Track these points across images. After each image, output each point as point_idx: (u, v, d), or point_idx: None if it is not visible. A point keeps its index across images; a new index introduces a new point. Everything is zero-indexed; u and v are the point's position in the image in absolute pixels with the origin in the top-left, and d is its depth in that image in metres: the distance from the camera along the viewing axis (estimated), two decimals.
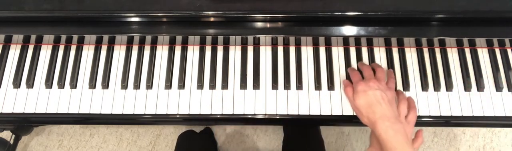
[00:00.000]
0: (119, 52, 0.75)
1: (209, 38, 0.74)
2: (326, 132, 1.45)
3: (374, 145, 0.64)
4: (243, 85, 0.72)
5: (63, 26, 0.68)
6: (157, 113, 0.71)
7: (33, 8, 0.65)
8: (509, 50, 0.75)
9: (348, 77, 0.73)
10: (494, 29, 0.67)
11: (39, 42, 0.76)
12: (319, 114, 0.71)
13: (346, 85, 0.69)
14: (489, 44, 0.75)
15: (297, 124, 1.07)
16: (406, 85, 0.72)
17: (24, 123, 0.81)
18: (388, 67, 0.74)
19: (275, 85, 0.72)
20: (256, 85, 0.72)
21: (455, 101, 0.71)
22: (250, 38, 0.74)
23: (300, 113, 0.71)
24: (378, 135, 0.59)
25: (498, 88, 0.72)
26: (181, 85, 0.72)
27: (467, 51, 0.75)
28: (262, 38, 0.74)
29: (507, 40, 0.74)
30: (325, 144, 1.07)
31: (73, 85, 0.73)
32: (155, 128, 1.47)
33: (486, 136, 1.44)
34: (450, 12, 0.65)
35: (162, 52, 0.75)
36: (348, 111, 0.71)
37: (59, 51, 0.76)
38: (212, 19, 0.67)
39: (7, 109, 0.72)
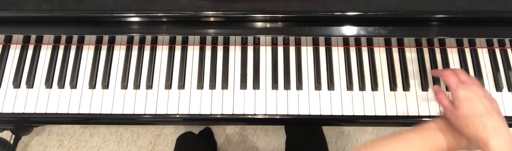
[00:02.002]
0: (119, 52, 0.75)
1: (209, 38, 0.74)
2: (326, 132, 1.45)
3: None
4: (243, 85, 0.72)
5: (63, 26, 0.68)
6: (157, 113, 0.71)
7: (33, 8, 0.65)
8: (509, 50, 0.75)
9: (347, 75, 0.73)
10: (494, 29, 0.67)
11: (39, 42, 0.76)
12: (319, 114, 0.71)
13: (437, 91, 0.61)
14: (489, 44, 0.75)
15: (297, 124, 1.07)
16: (406, 85, 0.72)
17: (24, 123, 0.81)
18: (388, 68, 0.74)
19: (275, 85, 0.72)
20: (256, 85, 0.72)
21: None
22: (250, 38, 0.74)
23: (300, 113, 0.71)
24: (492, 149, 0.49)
25: (498, 88, 0.72)
26: (181, 85, 0.72)
27: (467, 51, 0.75)
28: (262, 38, 0.74)
29: (507, 40, 0.74)
30: (327, 144, 1.07)
31: (73, 85, 0.73)
32: (155, 128, 1.47)
33: None
34: (450, 12, 0.65)
35: (162, 52, 0.75)
36: (348, 111, 0.71)
37: (59, 51, 0.76)
38: (212, 19, 0.67)
39: (7, 109, 0.72)
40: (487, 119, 0.51)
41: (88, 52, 0.75)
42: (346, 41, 0.75)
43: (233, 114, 0.71)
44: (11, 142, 1.28)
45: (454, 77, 0.59)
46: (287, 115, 0.71)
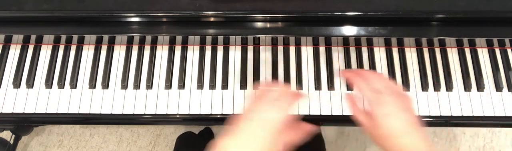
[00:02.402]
0: (119, 52, 0.75)
1: (209, 38, 0.74)
2: (326, 132, 1.45)
3: None
4: (243, 85, 0.72)
5: (63, 26, 0.68)
6: (157, 113, 0.71)
7: (33, 8, 0.65)
8: (509, 50, 0.75)
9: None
10: (494, 29, 0.67)
11: (39, 42, 0.76)
12: (319, 114, 0.71)
13: (351, 103, 0.56)
14: (489, 44, 0.75)
15: None
16: (406, 85, 0.72)
17: (24, 123, 0.81)
18: (388, 68, 0.74)
19: None
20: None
21: (455, 101, 0.71)
22: (250, 38, 0.74)
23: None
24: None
25: (498, 88, 0.72)
26: (181, 85, 0.72)
27: (467, 51, 0.75)
28: (262, 38, 0.74)
29: (507, 40, 0.74)
30: (325, 144, 1.07)
31: (73, 84, 0.73)
32: (155, 128, 1.47)
33: (486, 136, 1.44)
34: (450, 12, 0.65)
35: (162, 52, 0.75)
36: (348, 111, 0.71)
37: (59, 51, 0.76)
38: (212, 19, 0.67)
39: (7, 109, 0.72)
40: (409, 138, 0.48)
41: (88, 52, 0.75)
42: (346, 41, 0.75)
43: (233, 114, 0.71)
44: (11, 142, 1.28)
45: (365, 86, 0.53)
46: None
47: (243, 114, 0.51)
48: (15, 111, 0.72)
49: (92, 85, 0.73)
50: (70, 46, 0.76)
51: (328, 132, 1.45)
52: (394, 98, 0.50)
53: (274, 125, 0.49)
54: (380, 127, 0.49)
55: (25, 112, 0.71)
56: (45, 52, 0.76)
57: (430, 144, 0.49)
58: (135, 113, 0.71)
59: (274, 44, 0.76)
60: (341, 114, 0.70)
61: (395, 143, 0.48)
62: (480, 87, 0.72)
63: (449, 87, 0.72)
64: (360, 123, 0.54)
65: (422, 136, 0.49)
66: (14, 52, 0.75)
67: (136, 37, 0.74)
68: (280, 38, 0.74)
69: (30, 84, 0.73)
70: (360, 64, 0.74)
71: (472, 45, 0.75)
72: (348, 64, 0.74)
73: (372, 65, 0.74)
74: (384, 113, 0.49)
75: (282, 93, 0.53)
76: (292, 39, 0.74)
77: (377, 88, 0.51)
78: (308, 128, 0.55)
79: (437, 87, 0.72)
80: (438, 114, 0.71)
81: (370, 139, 0.52)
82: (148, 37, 0.74)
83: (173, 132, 1.46)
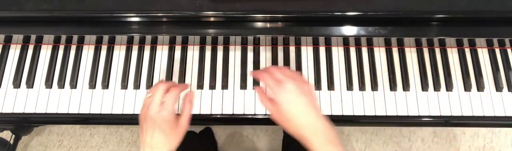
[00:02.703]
0: (119, 52, 0.75)
1: (209, 38, 0.74)
2: None
3: None
4: (243, 85, 0.72)
5: (63, 26, 0.68)
6: None
7: (33, 8, 0.65)
8: (509, 50, 0.75)
9: (347, 75, 0.73)
10: (494, 29, 0.67)
11: (39, 42, 0.76)
12: None
13: (260, 93, 0.59)
14: (489, 44, 0.75)
15: None
16: (406, 85, 0.72)
17: (24, 123, 0.80)
18: (388, 68, 0.74)
19: None
20: (256, 85, 0.72)
21: (455, 101, 0.71)
22: (250, 38, 0.74)
23: None
24: (310, 147, 0.52)
25: (498, 88, 0.72)
26: None
27: (467, 51, 0.75)
28: (262, 38, 0.74)
29: (507, 40, 0.74)
30: None
31: (73, 85, 0.73)
32: None
33: (486, 136, 1.44)
34: (450, 12, 0.65)
35: (162, 52, 0.75)
36: (348, 111, 0.71)
37: (59, 51, 0.76)
38: (212, 19, 0.67)
39: (7, 109, 0.72)
40: (306, 119, 0.53)
41: (88, 52, 0.75)
42: (346, 41, 0.75)
43: (233, 114, 0.71)
44: (11, 142, 1.28)
45: (270, 78, 0.56)
46: None
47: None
48: (15, 111, 0.72)
49: (92, 85, 0.73)
50: (70, 46, 0.76)
51: None
52: (293, 85, 0.54)
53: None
54: (281, 111, 0.54)
55: (25, 112, 0.71)
56: (45, 52, 0.76)
57: (327, 123, 0.53)
58: (135, 113, 0.71)
59: (274, 44, 0.76)
60: (341, 114, 0.70)
61: (295, 125, 0.53)
62: (480, 87, 0.72)
63: (449, 87, 0.72)
64: (267, 109, 0.59)
65: (318, 115, 0.53)
66: (14, 52, 0.75)
67: (136, 37, 0.74)
68: (280, 38, 0.74)
69: (30, 84, 0.73)
70: (360, 64, 0.74)
71: (472, 45, 0.75)
72: (348, 64, 0.74)
73: (372, 65, 0.74)
74: (284, 98, 0.54)
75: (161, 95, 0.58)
76: (292, 39, 0.74)
77: (278, 77, 0.56)
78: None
79: (437, 87, 0.72)
80: (438, 114, 0.71)
81: (276, 121, 0.56)
82: (148, 37, 0.74)
83: None
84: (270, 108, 0.56)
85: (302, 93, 0.54)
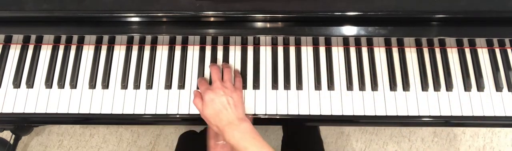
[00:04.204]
0: (119, 52, 0.75)
1: (209, 38, 0.74)
2: (326, 132, 1.45)
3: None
4: (243, 85, 0.72)
5: (63, 26, 0.68)
6: (157, 113, 0.71)
7: (33, 8, 0.65)
8: (509, 50, 0.75)
9: (347, 75, 0.73)
10: (494, 29, 0.67)
11: (39, 42, 0.76)
12: (319, 114, 0.71)
13: (195, 95, 0.68)
14: (489, 44, 0.75)
15: (297, 124, 1.07)
16: (406, 85, 0.72)
17: (24, 123, 0.81)
18: (388, 68, 0.74)
19: (275, 85, 0.72)
20: (256, 85, 0.72)
21: (455, 101, 0.71)
22: (250, 38, 0.74)
23: (300, 113, 0.71)
24: (228, 140, 0.61)
25: (498, 88, 0.72)
26: (181, 85, 0.72)
27: (467, 51, 0.75)
28: (262, 38, 0.74)
29: (507, 40, 0.74)
30: (325, 144, 1.07)
31: (73, 85, 0.73)
32: (155, 128, 1.47)
33: (486, 136, 1.44)
34: (450, 12, 0.65)
35: (162, 52, 0.75)
36: (348, 111, 0.71)
37: (59, 51, 0.76)
38: (212, 19, 0.67)
39: (7, 109, 0.72)
40: (223, 114, 0.62)
41: (88, 52, 0.75)
42: (346, 41, 0.75)
43: None
44: (11, 142, 1.28)
45: (204, 83, 0.69)
46: (287, 115, 0.71)
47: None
48: (15, 111, 0.72)
49: (92, 85, 0.73)
50: (70, 46, 0.76)
51: (328, 132, 1.45)
52: (219, 89, 0.66)
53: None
54: (206, 108, 0.64)
55: (25, 112, 0.71)
56: (45, 52, 0.76)
57: (243, 119, 0.63)
58: (135, 113, 0.71)
59: (274, 44, 0.76)
60: (341, 114, 0.71)
61: (215, 119, 0.63)
62: (480, 87, 0.72)
63: (449, 87, 0.72)
64: (196, 107, 0.67)
65: (236, 112, 0.63)
66: (14, 52, 0.76)
67: (136, 37, 0.74)
68: (280, 38, 0.74)
69: (30, 84, 0.73)
70: (360, 64, 0.74)
71: (472, 45, 0.75)
72: (348, 64, 0.74)
73: (372, 65, 0.74)
74: (211, 98, 0.64)
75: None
76: (292, 39, 0.74)
77: (214, 79, 0.68)
78: None
79: (437, 87, 0.72)
80: (438, 114, 0.71)
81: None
82: (148, 37, 0.74)
83: (173, 132, 1.46)
84: (199, 107, 0.66)
85: (226, 93, 0.64)
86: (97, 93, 0.73)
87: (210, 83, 0.70)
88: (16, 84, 0.73)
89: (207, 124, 0.66)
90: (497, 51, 0.75)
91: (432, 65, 0.74)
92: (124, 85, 0.73)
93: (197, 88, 0.72)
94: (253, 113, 0.71)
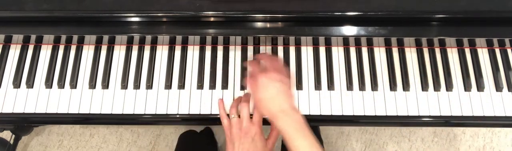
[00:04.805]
0: (119, 52, 0.75)
1: (209, 38, 0.74)
2: (326, 132, 1.45)
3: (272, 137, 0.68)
4: (243, 85, 0.72)
5: (63, 26, 0.68)
6: (157, 113, 0.71)
7: (33, 8, 0.65)
8: (509, 50, 0.75)
9: (347, 75, 0.73)
10: (494, 29, 0.67)
11: (39, 42, 0.76)
12: (319, 114, 0.71)
13: (250, 75, 0.67)
14: (489, 44, 0.75)
15: None
16: (406, 85, 0.72)
17: (24, 123, 0.81)
18: (388, 68, 0.74)
19: None
20: None
21: (455, 101, 0.71)
22: (250, 38, 0.74)
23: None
24: (279, 126, 0.59)
25: (498, 88, 0.72)
26: (181, 85, 0.72)
27: (467, 51, 0.75)
28: (262, 38, 0.74)
29: (507, 40, 0.74)
30: (325, 144, 1.07)
31: (73, 85, 0.73)
32: (155, 128, 1.47)
33: (486, 136, 1.44)
34: (450, 12, 0.65)
35: (162, 52, 0.75)
36: (348, 111, 0.71)
37: (59, 51, 0.76)
38: (212, 19, 0.67)
39: (7, 109, 0.72)
40: (276, 100, 0.61)
41: (88, 52, 0.75)
42: (346, 41, 0.75)
43: None
44: (11, 142, 1.27)
45: (256, 65, 0.68)
46: None
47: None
48: (15, 111, 0.72)
49: (92, 85, 0.73)
50: (70, 46, 0.76)
51: (328, 132, 1.45)
52: (273, 73, 0.63)
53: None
54: (258, 91, 0.63)
55: (25, 112, 0.71)
56: (45, 52, 0.76)
57: (292, 104, 0.62)
58: (135, 113, 0.71)
59: (274, 44, 0.76)
60: (341, 114, 0.70)
61: (268, 103, 0.62)
62: (480, 87, 0.72)
63: (449, 87, 0.72)
64: (250, 89, 0.68)
65: (286, 98, 0.62)
66: (14, 52, 0.75)
67: (136, 37, 0.74)
68: (280, 38, 0.74)
69: (30, 84, 0.73)
70: (360, 64, 0.74)
71: (472, 45, 0.75)
72: (348, 64, 0.74)
73: (372, 65, 0.74)
74: (263, 82, 0.63)
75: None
76: (292, 39, 0.74)
77: (268, 66, 0.66)
78: None
79: (437, 87, 0.72)
80: (438, 114, 0.71)
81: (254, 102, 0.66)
82: (148, 37, 0.74)
83: (173, 132, 1.46)
84: (254, 87, 0.65)
85: (280, 79, 0.63)
86: (97, 93, 0.73)
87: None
88: (16, 84, 0.73)
89: (257, 108, 0.65)
90: (497, 51, 0.75)
91: (432, 65, 0.74)
92: (124, 85, 0.73)
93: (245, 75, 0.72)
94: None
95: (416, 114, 0.70)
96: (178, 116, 0.71)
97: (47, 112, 0.71)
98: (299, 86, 0.72)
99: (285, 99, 0.62)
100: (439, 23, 0.67)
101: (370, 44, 0.75)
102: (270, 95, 0.62)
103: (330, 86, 0.72)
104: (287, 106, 0.61)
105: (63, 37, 0.74)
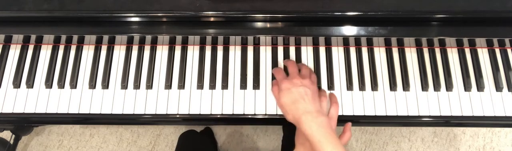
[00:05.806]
0: (119, 52, 0.75)
1: (209, 38, 0.74)
2: None
3: (300, 145, 0.64)
4: (243, 85, 0.72)
5: (63, 26, 0.68)
6: (157, 113, 0.71)
7: (33, 8, 0.65)
8: (509, 50, 0.75)
9: (347, 75, 0.73)
10: (494, 29, 0.67)
11: (39, 42, 0.76)
12: None
13: (273, 84, 0.69)
14: (489, 44, 0.75)
15: None
16: (406, 85, 0.72)
17: (24, 123, 0.80)
18: (388, 68, 0.74)
19: None
20: (256, 85, 0.72)
21: (455, 101, 0.71)
22: (250, 38, 0.74)
23: None
24: (304, 130, 0.59)
25: (498, 88, 0.72)
26: (181, 85, 0.72)
27: (467, 51, 0.75)
28: (262, 38, 0.74)
29: (507, 40, 0.74)
30: None
31: (73, 85, 0.73)
32: (155, 128, 1.47)
33: (486, 136, 1.44)
34: (450, 12, 0.65)
35: (162, 52, 0.75)
36: (348, 111, 0.71)
37: (59, 51, 0.76)
38: (212, 19, 0.67)
39: (7, 109, 0.72)
40: (299, 103, 0.62)
41: (88, 52, 0.75)
42: (346, 41, 0.75)
43: (233, 114, 0.71)
44: (11, 142, 1.28)
45: (281, 72, 0.70)
46: None
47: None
48: (15, 111, 0.72)
49: (92, 85, 0.73)
50: (70, 46, 0.76)
51: None
52: (296, 79, 0.65)
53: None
54: (282, 96, 0.64)
55: (25, 112, 0.71)
56: (45, 52, 0.76)
57: (319, 109, 0.62)
58: (135, 113, 0.71)
59: (274, 44, 0.76)
60: (341, 114, 0.70)
61: (292, 107, 0.62)
62: (480, 87, 0.72)
63: (449, 87, 0.72)
64: (274, 95, 0.69)
65: (312, 103, 0.62)
66: (14, 52, 0.76)
67: (136, 37, 0.74)
68: (280, 38, 0.74)
69: (30, 84, 0.73)
70: (360, 64, 0.74)
71: (472, 45, 0.75)
72: (348, 64, 0.74)
73: (372, 65, 0.74)
74: (287, 87, 0.64)
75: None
76: (292, 39, 0.74)
77: (291, 72, 0.68)
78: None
79: (437, 87, 0.72)
80: (438, 114, 0.71)
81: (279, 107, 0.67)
82: (148, 37, 0.74)
83: (173, 132, 1.46)
84: (276, 95, 0.67)
85: (304, 84, 0.64)
86: (97, 93, 0.73)
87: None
88: (16, 84, 0.73)
89: (284, 114, 0.65)
90: (497, 51, 0.75)
91: (432, 65, 0.74)
92: (124, 85, 0.73)
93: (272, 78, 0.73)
94: (253, 113, 0.71)
95: (416, 114, 0.71)
96: (178, 116, 0.71)
97: (47, 112, 0.71)
98: None
99: (310, 102, 0.62)
100: (439, 23, 0.67)
101: (370, 44, 0.75)
102: (293, 99, 0.62)
103: (330, 86, 0.72)
104: (312, 109, 0.61)
105: (63, 37, 0.74)
